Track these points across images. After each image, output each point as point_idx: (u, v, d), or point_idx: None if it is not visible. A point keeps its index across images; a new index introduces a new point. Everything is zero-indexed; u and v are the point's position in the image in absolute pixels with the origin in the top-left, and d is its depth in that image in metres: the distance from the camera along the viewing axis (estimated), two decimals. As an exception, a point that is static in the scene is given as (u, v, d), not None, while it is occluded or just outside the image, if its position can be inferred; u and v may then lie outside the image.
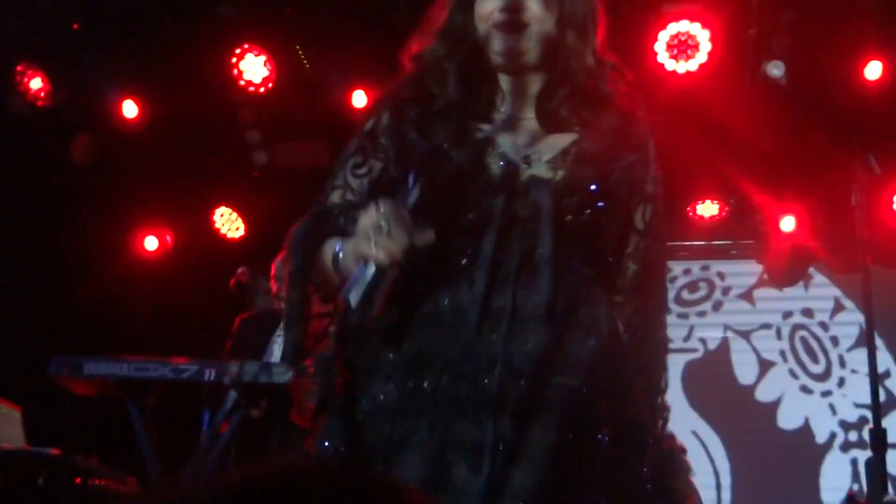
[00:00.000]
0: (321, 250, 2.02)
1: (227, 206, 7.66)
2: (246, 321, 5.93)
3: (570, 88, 2.06)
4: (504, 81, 2.07)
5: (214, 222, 7.67)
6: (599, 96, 2.08)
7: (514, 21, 1.99)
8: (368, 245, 1.79)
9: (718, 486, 7.59)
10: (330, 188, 2.11)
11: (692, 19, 5.62)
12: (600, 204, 1.98)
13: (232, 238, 7.72)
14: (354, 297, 1.84)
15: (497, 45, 2.00)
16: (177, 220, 7.69)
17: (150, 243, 7.69)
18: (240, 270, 5.62)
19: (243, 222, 7.70)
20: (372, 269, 1.82)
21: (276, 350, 5.69)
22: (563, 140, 2.04)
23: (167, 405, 5.26)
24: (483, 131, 2.02)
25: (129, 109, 6.49)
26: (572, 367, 1.90)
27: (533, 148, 2.02)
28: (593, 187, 1.98)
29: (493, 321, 1.87)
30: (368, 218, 1.80)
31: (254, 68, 6.23)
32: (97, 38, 6.20)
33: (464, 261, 1.91)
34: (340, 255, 1.94)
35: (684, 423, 7.72)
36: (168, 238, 7.74)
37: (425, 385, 1.88)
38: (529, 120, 2.07)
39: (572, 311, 1.93)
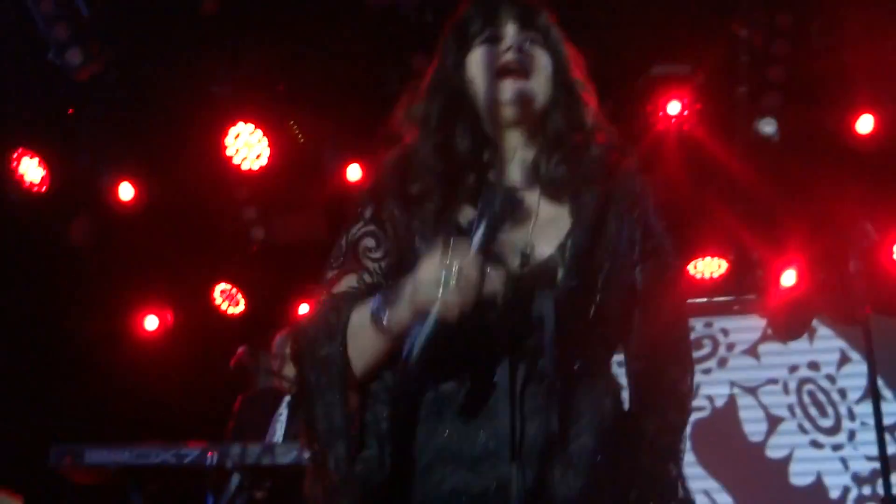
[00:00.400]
0: (352, 324, 1.91)
1: (226, 283, 7.65)
2: (247, 401, 5.88)
3: (566, 150, 2.00)
4: (505, 138, 2.00)
5: (214, 299, 7.65)
6: (593, 159, 2.01)
7: (523, 63, 1.94)
8: (436, 292, 1.67)
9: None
10: (339, 273, 2.01)
11: (680, 84, 5.66)
12: (599, 299, 1.91)
13: (232, 314, 7.69)
14: (415, 356, 1.72)
15: (506, 92, 1.94)
16: (177, 298, 7.67)
17: (151, 323, 7.65)
18: (240, 350, 5.58)
19: (243, 297, 7.68)
20: (432, 324, 1.68)
21: (279, 429, 5.64)
22: (558, 223, 1.95)
23: (170, 490, 5.21)
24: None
25: (126, 191, 6.50)
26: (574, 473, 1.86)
27: (529, 240, 1.92)
28: (593, 289, 1.91)
29: (501, 449, 1.82)
30: (433, 265, 1.70)
31: (248, 145, 6.25)
32: (92, 122, 6.23)
33: (466, 384, 1.87)
34: (386, 311, 1.82)
35: (695, 482, 7.57)
36: (169, 317, 7.71)
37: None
38: (521, 190, 1.97)
39: (577, 416, 1.89)
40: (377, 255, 2.00)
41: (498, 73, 1.94)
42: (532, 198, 1.96)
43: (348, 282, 2.00)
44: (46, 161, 6.48)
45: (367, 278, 1.99)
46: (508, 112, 1.95)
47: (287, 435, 5.57)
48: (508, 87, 1.93)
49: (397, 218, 1.97)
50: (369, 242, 2.00)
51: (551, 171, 1.99)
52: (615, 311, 1.94)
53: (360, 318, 1.89)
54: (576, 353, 1.89)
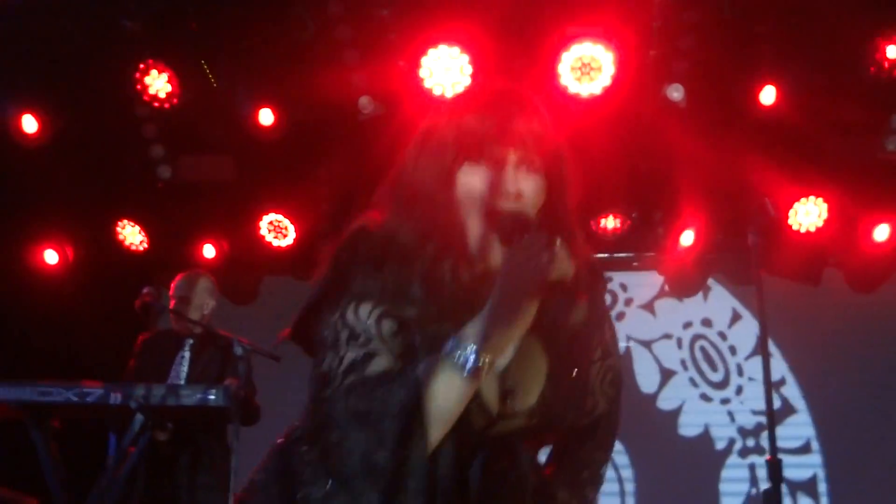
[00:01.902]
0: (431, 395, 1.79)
1: (129, 219, 7.55)
2: (148, 340, 5.86)
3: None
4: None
5: (117, 234, 7.55)
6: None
7: (521, 216, 1.89)
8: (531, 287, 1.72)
9: (622, 493, 7.75)
10: (363, 357, 1.83)
11: (595, 42, 5.73)
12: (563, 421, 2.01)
13: (135, 251, 7.60)
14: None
15: (504, 205, 1.89)
16: (79, 233, 7.54)
17: (51, 257, 7.53)
18: (145, 290, 5.55)
19: (146, 235, 7.60)
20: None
21: (182, 371, 5.65)
22: (532, 365, 1.94)
23: (72, 428, 5.18)
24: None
25: (29, 124, 6.33)
26: None
27: (510, 382, 1.91)
28: (562, 419, 2.00)
29: None
30: (517, 268, 1.74)
31: (158, 83, 6.15)
32: (-5, 53, 6.05)
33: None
34: (478, 350, 1.77)
35: (588, 431, 7.85)
36: (69, 251, 7.59)
37: None
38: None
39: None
40: (399, 338, 1.87)
41: (491, 215, 1.89)
42: None
43: (379, 365, 1.84)
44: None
45: (395, 361, 1.85)
46: (504, 211, 1.89)
47: (190, 377, 5.58)
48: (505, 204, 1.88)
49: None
50: (391, 325, 1.87)
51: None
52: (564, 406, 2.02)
53: (438, 383, 1.78)
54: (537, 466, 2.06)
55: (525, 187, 1.90)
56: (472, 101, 1.97)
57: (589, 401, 2.06)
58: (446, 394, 1.77)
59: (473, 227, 1.91)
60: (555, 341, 1.95)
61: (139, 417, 4.58)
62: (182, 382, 5.50)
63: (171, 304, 5.79)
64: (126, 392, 4.56)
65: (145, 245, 7.60)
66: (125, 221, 7.53)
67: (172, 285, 5.90)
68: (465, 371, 1.76)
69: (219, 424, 5.50)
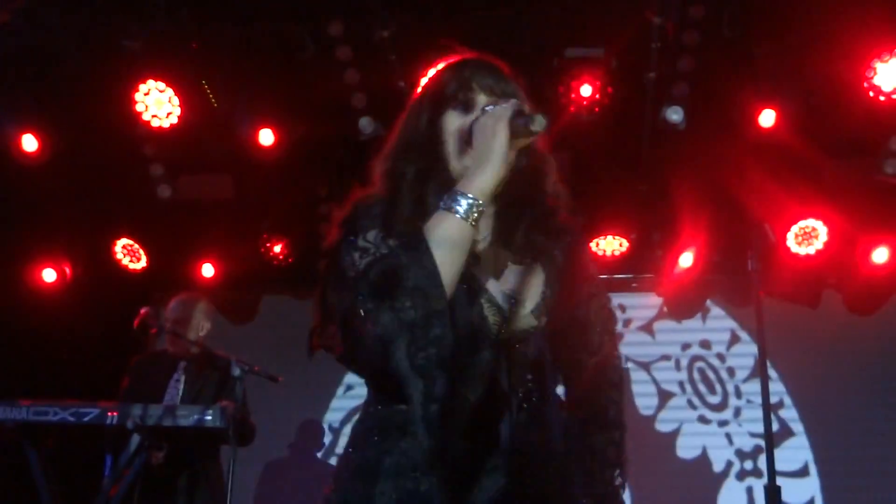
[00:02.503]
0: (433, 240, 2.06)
1: (128, 238, 7.55)
2: (142, 362, 5.85)
3: (531, 216, 2.26)
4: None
5: (115, 254, 7.55)
6: (553, 223, 2.29)
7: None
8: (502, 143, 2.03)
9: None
10: (375, 258, 2.10)
11: (594, 66, 5.74)
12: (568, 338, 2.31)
13: (133, 270, 7.60)
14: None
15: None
16: (77, 252, 7.54)
17: (49, 275, 7.52)
18: (143, 310, 5.55)
19: (145, 254, 7.60)
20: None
21: (176, 394, 5.63)
22: (532, 280, 2.24)
23: (67, 449, 5.16)
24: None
25: (29, 143, 6.34)
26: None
27: (515, 291, 2.21)
28: (565, 330, 2.29)
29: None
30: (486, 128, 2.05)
31: (159, 103, 6.16)
32: (-5, 72, 6.07)
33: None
34: (461, 196, 2.05)
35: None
36: (67, 270, 7.58)
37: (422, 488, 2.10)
38: (484, 241, 2.24)
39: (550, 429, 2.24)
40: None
41: (467, 140, 2.15)
42: (500, 252, 2.26)
43: (363, 260, 2.13)
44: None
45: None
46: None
47: (185, 400, 5.56)
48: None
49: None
50: (394, 241, 2.13)
51: (515, 230, 2.26)
52: (577, 343, 2.34)
53: (437, 229, 2.05)
54: (548, 381, 2.25)
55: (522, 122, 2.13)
56: (447, 65, 2.32)
57: (593, 337, 2.36)
58: (446, 232, 2.04)
59: (455, 161, 2.21)
60: (551, 266, 2.26)
61: (136, 438, 4.57)
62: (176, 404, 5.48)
63: (167, 325, 5.77)
64: (123, 412, 4.55)
65: (144, 264, 7.59)
66: (124, 240, 7.53)
67: (168, 307, 5.88)
68: (457, 213, 2.03)
69: (215, 445, 5.49)
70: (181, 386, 5.68)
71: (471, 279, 2.13)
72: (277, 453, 7.80)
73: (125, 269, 7.56)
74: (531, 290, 2.23)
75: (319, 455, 7.99)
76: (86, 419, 4.54)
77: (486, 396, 2.11)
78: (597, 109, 5.90)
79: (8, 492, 5.72)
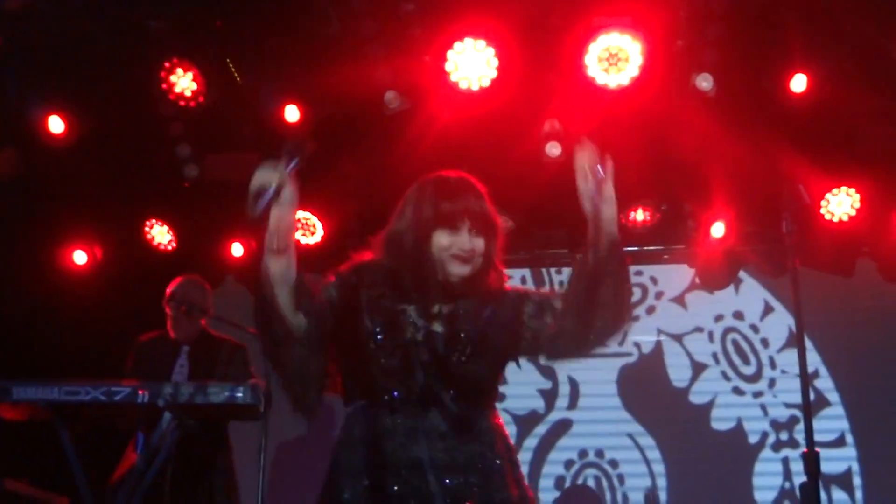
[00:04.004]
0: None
1: (157, 219, 7.57)
2: (146, 343, 5.87)
3: (480, 286, 2.91)
4: (446, 283, 2.86)
5: (145, 234, 7.57)
6: (489, 285, 2.94)
7: (470, 257, 2.84)
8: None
9: (654, 487, 7.69)
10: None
11: (622, 32, 5.67)
12: (479, 345, 2.82)
13: (164, 250, 7.62)
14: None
15: (454, 269, 2.83)
16: (107, 233, 7.57)
17: (80, 258, 7.56)
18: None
19: (174, 235, 7.61)
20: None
21: (178, 375, 5.67)
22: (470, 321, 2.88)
23: (100, 428, 5.19)
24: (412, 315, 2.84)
25: (56, 125, 6.36)
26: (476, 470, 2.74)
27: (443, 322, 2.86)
28: (471, 334, 2.83)
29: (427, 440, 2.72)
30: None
31: (184, 82, 6.15)
32: (23, 52, 6.07)
33: (396, 393, 2.76)
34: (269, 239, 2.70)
35: (619, 426, 7.82)
36: (98, 252, 7.62)
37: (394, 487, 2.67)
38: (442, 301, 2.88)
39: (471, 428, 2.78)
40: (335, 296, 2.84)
41: (454, 256, 2.84)
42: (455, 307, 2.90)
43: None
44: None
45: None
46: (453, 279, 2.85)
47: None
48: (455, 268, 2.84)
49: (364, 300, 2.85)
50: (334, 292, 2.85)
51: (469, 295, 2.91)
52: (489, 360, 2.87)
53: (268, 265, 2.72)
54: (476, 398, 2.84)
55: (475, 245, 2.85)
56: (443, 187, 2.90)
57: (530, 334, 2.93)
58: (270, 266, 2.69)
59: (440, 269, 2.85)
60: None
61: (167, 416, 4.57)
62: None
63: (182, 308, 5.77)
64: (154, 390, 4.55)
65: (174, 244, 7.61)
66: (153, 221, 7.55)
67: (178, 290, 5.86)
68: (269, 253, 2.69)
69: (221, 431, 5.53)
70: (186, 372, 5.70)
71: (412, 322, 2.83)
72: (295, 431, 7.72)
73: (155, 249, 7.58)
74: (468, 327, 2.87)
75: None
76: (117, 398, 4.53)
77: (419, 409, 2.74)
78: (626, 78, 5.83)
79: (43, 471, 5.76)
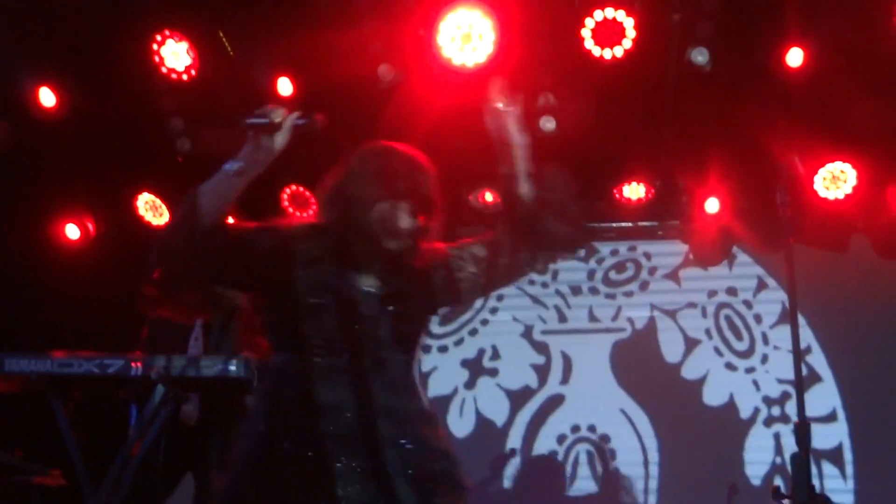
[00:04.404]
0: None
1: (150, 193, 7.54)
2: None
3: (415, 256, 3.01)
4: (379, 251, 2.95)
5: (137, 209, 7.54)
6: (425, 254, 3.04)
7: (405, 235, 2.92)
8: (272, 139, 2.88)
9: (646, 463, 7.72)
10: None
11: (617, 6, 5.64)
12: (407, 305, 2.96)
13: (156, 225, 7.59)
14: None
15: (390, 244, 2.92)
16: (99, 207, 7.54)
17: (72, 232, 7.54)
18: None
19: (167, 209, 7.58)
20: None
21: (193, 349, 5.65)
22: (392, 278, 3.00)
23: (93, 400, 5.18)
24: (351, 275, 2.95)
25: (47, 98, 6.32)
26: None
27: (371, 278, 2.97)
28: (400, 296, 2.95)
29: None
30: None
31: (176, 55, 6.11)
32: (12, 25, 6.02)
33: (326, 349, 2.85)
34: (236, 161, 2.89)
35: (612, 401, 7.84)
36: (90, 226, 7.60)
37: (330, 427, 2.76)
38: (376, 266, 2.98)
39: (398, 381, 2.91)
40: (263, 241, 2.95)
41: (391, 231, 2.91)
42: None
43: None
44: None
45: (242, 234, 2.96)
46: (392, 249, 2.94)
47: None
48: (393, 244, 2.93)
49: (299, 257, 2.93)
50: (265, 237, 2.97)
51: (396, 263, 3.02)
52: (416, 315, 3.04)
53: (208, 182, 2.89)
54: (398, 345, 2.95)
55: (412, 223, 2.91)
56: (391, 161, 2.97)
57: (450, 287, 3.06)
58: (216, 184, 2.88)
59: (377, 240, 2.94)
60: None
61: (160, 389, 4.57)
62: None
63: None
64: (147, 363, 4.54)
65: (166, 218, 7.58)
66: (145, 195, 7.52)
67: None
68: (230, 171, 2.86)
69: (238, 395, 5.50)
70: (200, 345, 5.68)
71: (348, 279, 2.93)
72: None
73: (148, 223, 7.55)
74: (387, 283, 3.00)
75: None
76: (110, 370, 4.53)
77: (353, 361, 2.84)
78: (621, 52, 5.80)
79: (36, 444, 5.75)
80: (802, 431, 3.79)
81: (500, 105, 2.99)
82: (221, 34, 6.06)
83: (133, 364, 4.55)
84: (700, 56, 5.85)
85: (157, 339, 5.67)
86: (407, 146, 3.06)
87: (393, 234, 2.91)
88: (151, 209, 7.58)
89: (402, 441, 2.81)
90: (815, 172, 6.88)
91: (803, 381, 4.19)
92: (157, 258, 2.93)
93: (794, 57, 5.81)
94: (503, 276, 3.10)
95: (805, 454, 3.79)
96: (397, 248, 2.93)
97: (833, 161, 6.87)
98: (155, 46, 6.04)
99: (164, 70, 6.11)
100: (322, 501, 2.70)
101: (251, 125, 2.85)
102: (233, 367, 4.58)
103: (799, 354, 4.15)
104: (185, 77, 6.14)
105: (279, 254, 2.91)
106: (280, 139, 2.87)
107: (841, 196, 6.97)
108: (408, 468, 2.79)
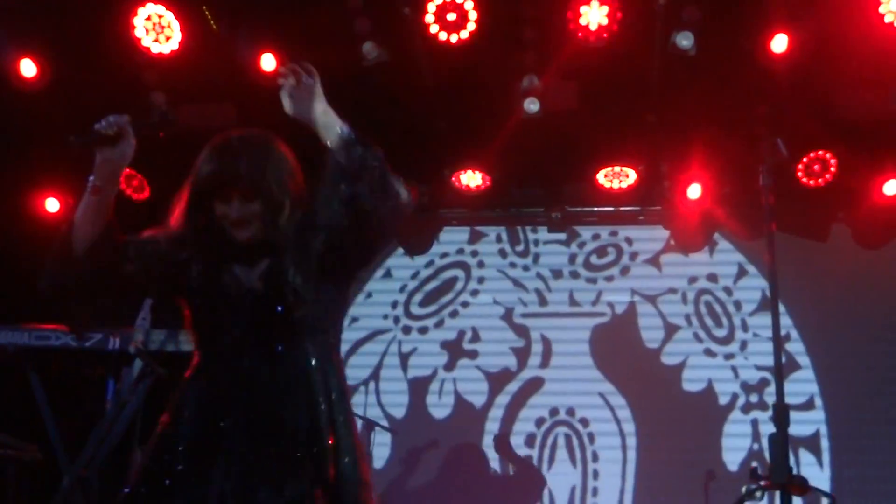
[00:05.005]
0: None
1: (131, 168, 7.48)
2: None
3: (278, 237, 2.98)
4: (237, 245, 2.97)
5: (120, 183, 7.49)
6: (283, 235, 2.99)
7: (244, 224, 2.91)
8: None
9: (624, 447, 7.75)
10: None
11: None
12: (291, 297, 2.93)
13: (137, 199, 7.55)
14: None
15: (238, 234, 2.92)
16: (79, 181, 7.45)
17: (52, 205, 7.48)
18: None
19: (147, 185, 7.54)
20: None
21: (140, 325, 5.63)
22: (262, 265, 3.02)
23: (70, 374, 5.16)
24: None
25: (28, 68, 6.26)
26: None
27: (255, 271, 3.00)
28: (284, 285, 2.93)
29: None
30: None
31: (159, 28, 6.06)
32: (-7, -5, 5.97)
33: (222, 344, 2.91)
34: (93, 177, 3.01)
35: (591, 385, 7.86)
36: (71, 200, 7.54)
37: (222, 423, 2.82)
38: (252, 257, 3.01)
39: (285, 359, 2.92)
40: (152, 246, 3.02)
41: (231, 224, 2.92)
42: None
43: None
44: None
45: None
46: (243, 241, 2.94)
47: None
48: (240, 233, 2.92)
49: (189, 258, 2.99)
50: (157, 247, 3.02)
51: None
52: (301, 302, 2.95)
53: (79, 207, 2.99)
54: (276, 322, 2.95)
55: (247, 210, 2.90)
56: (216, 154, 2.98)
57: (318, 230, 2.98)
58: (82, 207, 2.98)
59: (229, 234, 2.94)
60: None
61: (138, 363, 4.56)
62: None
63: None
64: (125, 337, 4.54)
65: (147, 194, 7.54)
66: (126, 170, 7.46)
67: None
68: (88, 190, 2.97)
69: None
70: (147, 323, 5.66)
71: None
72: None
73: (129, 198, 7.51)
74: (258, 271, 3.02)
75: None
76: (88, 344, 4.53)
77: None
78: (605, 36, 5.79)
79: (11, 417, 5.72)
80: (781, 413, 3.80)
81: (283, 85, 3.07)
82: (205, 8, 6.01)
83: (111, 338, 4.55)
84: (685, 40, 5.84)
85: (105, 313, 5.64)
86: (242, 130, 3.09)
87: (235, 225, 2.91)
88: (133, 185, 7.55)
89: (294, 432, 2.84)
90: (798, 160, 6.90)
91: (782, 369, 4.21)
92: (44, 284, 3.02)
93: (779, 43, 5.81)
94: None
95: (783, 436, 3.81)
96: (245, 236, 2.93)
97: (815, 149, 6.89)
98: (137, 19, 5.98)
99: (145, 44, 6.05)
100: (205, 480, 2.77)
101: (78, 143, 2.93)
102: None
103: (779, 340, 4.17)
104: (167, 52, 6.09)
105: (169, 261, 2.98)
106: (123, 148, 2.99)
107: (821, 184, 6.99)
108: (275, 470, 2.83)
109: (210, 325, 2.92)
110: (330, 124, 2.96)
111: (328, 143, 2.93)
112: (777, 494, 4.27)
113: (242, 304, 2.91)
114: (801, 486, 4.00)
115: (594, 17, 5.75)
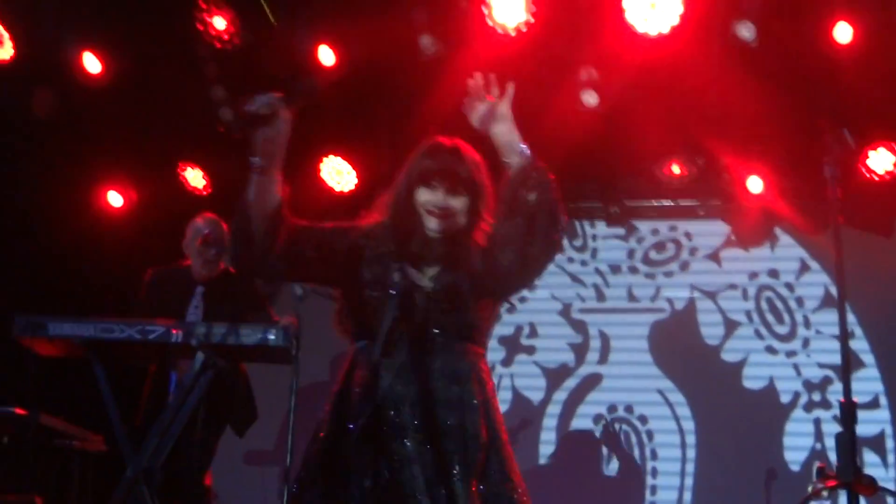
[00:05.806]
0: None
1: (192, 162, 7.59)
2: (159, 275, 5.87)
3: (463, 242, 3.12)
4: (427, 239, 3.09)
5: (180, 177, 7.60)
6: (469, 254, 3.11)
7: (444, 214, 3.06)
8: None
9: (683, 445, 7.67)
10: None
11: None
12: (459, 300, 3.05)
13: (198, 193, 7.64)
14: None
15: (430, 224, 3.06)
16: (142, 175, 7.60)
17: (115, 199, 7.61)
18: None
19: (208, 178, 7.63)
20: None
21: (192, 316, 5.68)
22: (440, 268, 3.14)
23: (134, 367, 5.22)
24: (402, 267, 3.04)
25: (92, 64, 6.36)
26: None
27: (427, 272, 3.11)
28: (454, 287, 3.05)
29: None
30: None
31: (219, 22, 6.12)
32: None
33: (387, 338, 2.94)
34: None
35: (650, 382, 7.79)
36: (133, 194, 7.67)
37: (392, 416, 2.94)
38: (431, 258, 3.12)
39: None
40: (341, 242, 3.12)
41: (430, 211, 3.07)
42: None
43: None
44: (10, 30, 6.33)
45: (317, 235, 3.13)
46: (431, 233, 3.07)
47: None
48: (433, 223, 3.06)
49: (366, 254, 3.11)
50: (342, 238, 3.13)
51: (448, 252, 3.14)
52: (468, 308, 3.09)
53: (248, 189, 3.01)
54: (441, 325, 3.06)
55: (451, 203, 3.07)
56: (429, 149, 3.11)
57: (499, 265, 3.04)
58: (253, 187, 2.99)
59: (420, 223, 3.09)
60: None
61: (200, 355, 4.59)
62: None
63: (214, 252, 5.77)
64: (187, 330, 4.57)
65: (208, 188, 7.63)
66: (187, 164, 7.57)
67: (212, 233, 5.83)
68: (253, 171, 2.99)
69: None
70: (200, 313, 5.70)
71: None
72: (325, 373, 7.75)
73: (190, 192, 7.61)
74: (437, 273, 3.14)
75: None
76: (151, 337, 4.56)
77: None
78: (665, 29, 5.74)
79: (79, 408, 5.83)
80: (848, 411, 3.73)
81: (479, 101, 3.00)
82: (264, 2, 6.06)
83: (174, 331, 4.58)
84: (746, 31, 5.77)
85: (153, 301, 5.70)
86: (454, 139, 3.16)
87: (431, 213, 3.04)
88: (194, 178, 7.64)
89: (455, 428, 2.95)
90: (862, 153, 6.78)
91: (847, 366, 4.13)
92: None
93: (842, 32, 5.71)
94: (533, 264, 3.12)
95: (851, 434, 3.73)
96: (437, 227, 3.05)
97: (881, 139, 6.76)
98: (199, 14, 6.05)
99: (207, 38, 6.12)
100: (378, 462, 2.88)
101: (237, 128, 2.94)
102: (272, 336, 4.60)
103: (846, 336, 4.09)
104: (228, 45, 6.15)
105: (352, 253, 3.07)
106: (279, 125, 3.00)
107: (887, 177, 6.86)
108: (459, 455, 2.93)
109: (374, 318, 2.97)
110: (512, 144, 2.98)
111: (508, 162, 2.98)
112: (842, 494, 4.19)
113: (410, 300, 3.00)
114: (870, 485, 3.92)
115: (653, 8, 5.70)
